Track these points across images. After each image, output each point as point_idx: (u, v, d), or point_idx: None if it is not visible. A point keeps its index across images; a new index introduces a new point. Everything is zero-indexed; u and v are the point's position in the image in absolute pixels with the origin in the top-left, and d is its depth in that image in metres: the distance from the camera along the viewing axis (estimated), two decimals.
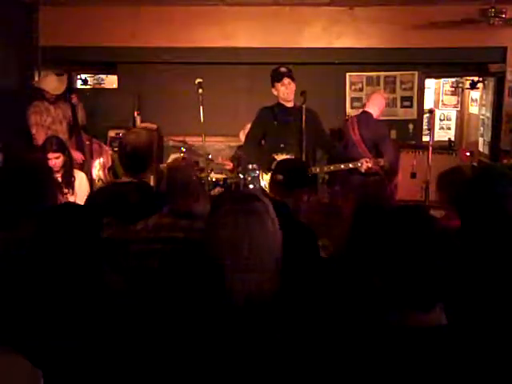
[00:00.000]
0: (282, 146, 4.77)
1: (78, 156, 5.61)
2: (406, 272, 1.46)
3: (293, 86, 4.79)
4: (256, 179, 4.71)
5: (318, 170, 4.87)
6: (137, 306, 2.31)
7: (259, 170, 4.73)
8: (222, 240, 1.71)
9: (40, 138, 5.44)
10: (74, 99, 5.93)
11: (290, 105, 4.86)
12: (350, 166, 4.81)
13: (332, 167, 4.90)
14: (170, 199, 2.80)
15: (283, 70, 4.81)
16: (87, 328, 2.00)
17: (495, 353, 1.45)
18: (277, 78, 4.82)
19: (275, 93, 4.87)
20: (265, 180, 4.62)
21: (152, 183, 6.86)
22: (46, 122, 5.72)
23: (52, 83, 5.77)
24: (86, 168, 5.62)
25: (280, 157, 4.61)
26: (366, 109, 5.66)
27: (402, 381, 1.40)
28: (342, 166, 4.81)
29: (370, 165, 4.82)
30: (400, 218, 1.56)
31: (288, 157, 4.64)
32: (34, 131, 5.66)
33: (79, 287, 2.05)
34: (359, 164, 4.81)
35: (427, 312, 1.47)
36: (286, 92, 4.79)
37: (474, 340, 1.47)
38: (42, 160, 4.29)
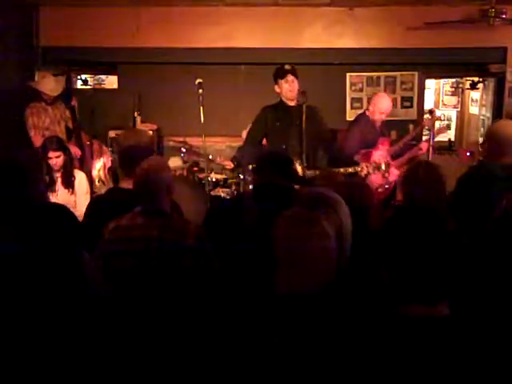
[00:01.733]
0: (283, 146, 4.74)
1: (76, 151, 5.60)
2: (414, 268, 1.49)
3: (296, 84, 4.76)
4: None
5: (316, 173, 4.80)
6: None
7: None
8: (280, 240, 1.77)
9: (37, 139, 5.44)
10: (74, 102, 5.94)
11: (292, 103, 4.82)
12: (350, 170, 4.72)
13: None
14: (140, 200, 2.81)
15: (287, 67, 4.80)
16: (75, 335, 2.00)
17: (495, 343, 1.47)
18: (281, 74, 4.80)
19: (278, 90, 4.85)
20: None
21: None
22: (45, 124, 5.71)
23: (49, 84, 5.76)
24: (86, 168, 5.62)
25: None
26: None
27: (407, 364, 1.43)
28: (342, 170, 4.71)
29: (370, 170, 4.76)
30: (410, 216, 1.58)
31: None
32: (31, 133, 5.66)
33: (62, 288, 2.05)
34: (359, 169, 4.74)
35: (434, 306, 1.50)
36: (288, 89, 4.75)
37: (475, 329, 1.49)
38: (30, 158, 4.28)
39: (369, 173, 4.78)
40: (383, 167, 4.87)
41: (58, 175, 4.71)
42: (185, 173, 5.93)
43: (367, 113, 5.46)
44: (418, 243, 1.50)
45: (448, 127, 9.03)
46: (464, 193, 3.09)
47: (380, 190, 5.04)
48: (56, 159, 4.65)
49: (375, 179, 4.97)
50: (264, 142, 5.08)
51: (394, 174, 5.22)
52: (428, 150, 5.46)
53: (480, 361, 1.43)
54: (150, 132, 7.03)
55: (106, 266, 2.61)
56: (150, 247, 2.62)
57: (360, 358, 1.46)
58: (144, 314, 2.50)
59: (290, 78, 4.76)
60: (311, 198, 1.92)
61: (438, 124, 6.11)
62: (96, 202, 3.44)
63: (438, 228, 1.52)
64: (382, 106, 5.38)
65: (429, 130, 5.69)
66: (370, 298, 1.68)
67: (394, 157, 5.38)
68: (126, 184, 3.19)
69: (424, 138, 6.90)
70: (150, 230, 2.66)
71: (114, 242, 2.67)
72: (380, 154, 5.18)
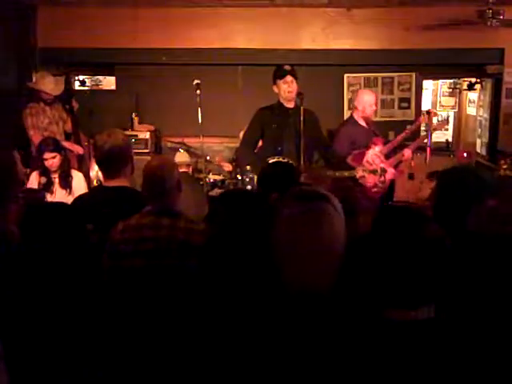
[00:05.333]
0: (279, 148, 4.72)
1: (78, 148, 5.65)
2: (395, 270, 1.48)
3: (295, 85, 4.71)
4: (253, 181, 4.64)
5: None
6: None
7: (252, 173, 4.63)
8: (286, 236, 1.71)
9: (37, 139, 5.45)
10: (75, 104, 5.96)
11: (290, 105, 4.77)
12: (346, 174, 4.69)
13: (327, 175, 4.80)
14: (149, 199, 2.80)
15: (287, 67, 4.75)
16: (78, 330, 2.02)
17: (481, 347, 1.47)
18: (279, 75, 4.76)
19: (276, 90, 4.79)
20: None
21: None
22: (43, 124, 5.73)
23: (50, 84, 5.78)
24: (84, 168, 5.63)
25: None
26: None
27: (390, 371, 1.42)
28: (337, 174, 4.66)
29: (365, 174, 4.74)
30: (391, 217, 1.57)
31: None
32: (31, 132, 5.68)
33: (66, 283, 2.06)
34: (354, 173, 4.72)
35: (415, 309, 1.49)
36: (287, 90, 4.70)
37: (461, 334, 1.49)
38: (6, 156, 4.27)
39: (364, 176, 4.78)
40: (379, 171, 4.87)
41: (55, 176, 4.72)
42: (190, 170, 5.90)
43: (354, 115, 5.46)
44: (397, 246, 1.49)
45: (447, 121, 9.04)
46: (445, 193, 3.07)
47: (375, 189, 5.05)
48: (52, 160, 4.66)
49: (370, 179, 4.97)
50: (260, 143, 5.07)
51: (390, 172, 5.22)
52: (417, 152, 5.47)
53: (464, 365, 1.43)
54: (145, 132, 7.07)
55: (116, 267, 2.62)
56: (159, 247, 2.62)
57: (349, 362, 1.46)
58: (152, 314, 2.51)
59: (289, 78, 4.71)
60: (307, 192, 1.88)
61: (435, 120, 6.11)
62: (79, 200, 3.41)
63: (419, 230, 1.51)
64: (368, 99, 5.38)
65: (426, 130, 5.70)
66: (356, 302, 1.68)
67: (388, 156, 5.39)
68: (110, 183, 3.18)
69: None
70: (159, 229, 2.66)
71: (123, 243, 2.67)
72: (373, 154, 5.18)
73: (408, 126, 5.77)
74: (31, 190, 4.50)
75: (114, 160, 3.11)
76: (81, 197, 3.43)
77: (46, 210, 2.29)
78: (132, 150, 3.27)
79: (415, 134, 6.08)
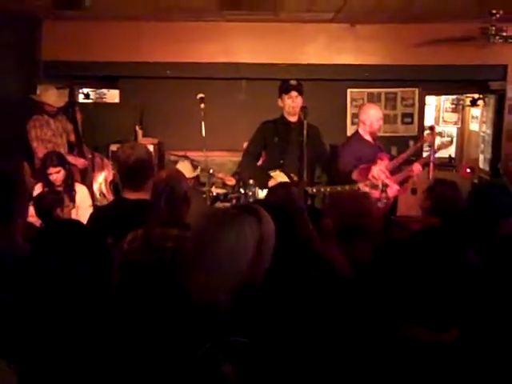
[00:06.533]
0: (281, 162, 4.73)
1: (80, 162, 5.66)
2: (424, 292, 1.46)
3: (300, 101, 4.76)
4: (255, 194, 4.62)
5: (314, 190, 4.75)
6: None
7: (255, 187, 4.61)
8: (194, 240, 1.80)
9: (40, 151, 5.47)
10: (78, 115, 5.98)
11: (293, 119, 4.82)
12: (347, 189, 4.68)
13: (329, 189, 4.73)
14: (157, 210, 2.79)
15: (293, 82, 4.80)
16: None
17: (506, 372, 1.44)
18: (285, 89, 4.80)
19: (281, 104, 4.85)
20: (260, 197, 4.46)
21: None
22: (47, 136, 5.75)
23: (53, 96, 5.81)
24: (88, 181, 5.64)
25: (275, 174, 4.58)
26: None
27: None
28: (339, 189, 4.61)
29: (367, 189, 4.72)
30: (425, 239, 1.56)
31: (281, 179, 4.58)
32: (34, 144, 5.69)
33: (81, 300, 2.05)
34: (356, 187, 4.70)
35: (443, 332, 1.46)
36: (291, 105, 4.76)
37: (482, 356, 1.46)
38: (13, 169, 4.28)
39: (366, 192, 4.76)
40: (380, 186, 4.86)
41: (59, 190, 4.71)
42: (192, 182, 5.89)
43: (360, 130, 5.44)
44: (430, 267, 1.47)
45: (451, 142, 9.03)
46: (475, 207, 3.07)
47: (378, 204, 5.02)
48: (56, 175, 4.67)
49: (373, 194, 4.96)
50: (263, 156, 5.08)
51: (394, 189, 5.21)
52: (423, 168, 5.46)
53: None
54: (148, 146, 7.06)
55: (124, 277, 2.62)
56: (165, 258, 2.62)
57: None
58: (159, 324, 2.51)
59: (294, 94, 4.76)
60: (242, 204, 1.92)
61: (438, 140, 6.13)
62: (100, 211, 3.41)
63: (451, 253, 1.48)
64: (375, 114, 5.37)
65: (429, 146, 5.69)
66: (372, 318, 1.66)
67: (394, 172, 5.37)
68: (131, 196, 3.18)
69: (424, 154, 6.92)
70: (166, 240, 2.66)
71: (132, 253, 2.67)
72: (379, 169, 5.17)
73: (411, 142, 5.77)
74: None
75: (139, 173, 3.13)
76: (101, 209, 3.43)
77: (68, 225, 2.29)
78: (154, 164, 3.28)
79: (418, 152, 6.07)
